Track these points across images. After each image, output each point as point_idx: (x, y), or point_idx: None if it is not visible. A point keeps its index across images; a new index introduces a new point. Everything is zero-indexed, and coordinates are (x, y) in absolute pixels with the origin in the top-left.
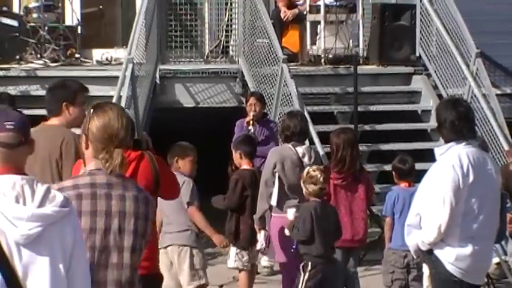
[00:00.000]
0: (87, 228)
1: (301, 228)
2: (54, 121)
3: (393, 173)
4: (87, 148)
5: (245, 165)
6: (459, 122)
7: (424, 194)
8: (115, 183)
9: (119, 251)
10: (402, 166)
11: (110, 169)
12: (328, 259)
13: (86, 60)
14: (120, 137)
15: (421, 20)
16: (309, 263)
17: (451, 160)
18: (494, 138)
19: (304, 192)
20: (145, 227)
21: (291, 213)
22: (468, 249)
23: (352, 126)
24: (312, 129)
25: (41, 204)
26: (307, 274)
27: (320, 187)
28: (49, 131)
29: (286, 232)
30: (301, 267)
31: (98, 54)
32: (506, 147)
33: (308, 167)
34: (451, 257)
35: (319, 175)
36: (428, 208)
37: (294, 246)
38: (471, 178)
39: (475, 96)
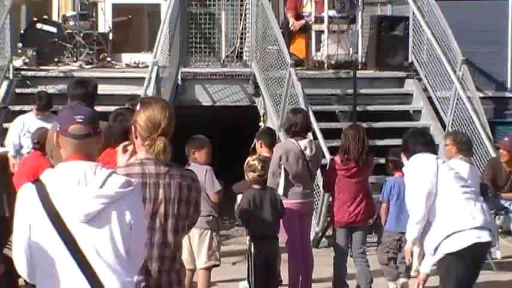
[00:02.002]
0: None
1: (239, 213)
2: None
3: (389, 164)
4: (136, 138)
5: (265, 153)
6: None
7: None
8: (162, 173)
9: (163, 232)
10: (397, 159)
11: (154, 154)
12: (267, 237)
13: (116, 63)
14: (163, 126)
15: (413, 31)
16: (252, 243)
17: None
18: (477, 136)
19: (246, 179)
20: (188, 211)
21: (238, 200)
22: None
23: (352, 123)
24: (316, 126)
25: (102, 185)
26: (253, 250)
27: (258, 174)
28: None
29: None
30: (247, 247)
31: (126, 58)
32: (487, 143)
33: (248, 158)
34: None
35: (257, 164)
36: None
37: None
38: (438, 164)
39: (460, 98)
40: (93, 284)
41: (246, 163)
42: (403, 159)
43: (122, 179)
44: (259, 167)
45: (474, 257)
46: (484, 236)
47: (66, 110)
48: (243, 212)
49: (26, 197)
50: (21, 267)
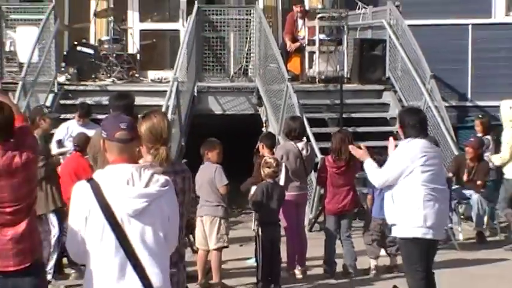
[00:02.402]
0: None
1: (253, 201)
2: None
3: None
4: (141, 145)
5: (266, 153)
6: (418, 124)
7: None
8: (168, 171)
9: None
10: (380, 157)
11: (158, 162)
12: (273, 223)
13: (143, 78)
14: (164, 137)
15: (389, 51)
16: (259, 228)
17: (410, 145)
18: (443, 139)
19: (262, 174)
20: (189, 198)
21: (252, 190)
22: (432, 208)
23: (340, 129)
24: (309, 131)
25: (147, 185)
26: (261, 233)
27: (273, 170)
28: None
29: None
30: (256, 228)
31: (152, 74)
32: (452, 144)
33: (265, 157)
34: (418, 221)
35: (273, 161)
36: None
37: None
38: (421, 158)
39: (429, 107)
40: (137, 267)
41: (263, 160)
42: (399, 131)
43: (162, 178)
44: (274, 164)
45: (424, 245)
46: (430, 235)
47: (111, 119)
48: (256, 200)
49: (81, 193)
50: (73, 250)
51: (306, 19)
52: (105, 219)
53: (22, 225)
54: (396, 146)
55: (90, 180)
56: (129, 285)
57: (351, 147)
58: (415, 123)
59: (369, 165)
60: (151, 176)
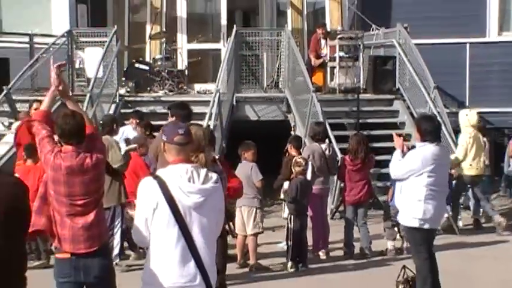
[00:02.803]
0: None
1: (289, 194)
2: None
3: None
4: None
5: (293, 153)
6: (434, 131)
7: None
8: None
9: None
10: None
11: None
12: (302, 213)
13: (190, 90)
14: (202, 145)
15: (399, 66)
16: (292, 216)
17: (425, 150)
18: (445, 140)
19: (292, 171)
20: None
21: (286, 185)
22: (430, 204)
23: (356, 132)
24: (331, 134)
25: (204, 182)
26: (292, 222)
27: (303, 168)
28: None
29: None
30: (288, 217)
31: (197, 87)
32: (453, 146)
33: (295, 157)
34: (418, 212)
35: (302, 161)
36: (399, 166)
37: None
38: (432, 162)
39: (433, 113)
40: (194, 251)
41: (294, 160)
42: (416, 135)
43: (214, 176)
44: (303, 163)
45: (423, 233)
46: (427, 225)
47: (171, 125)
48: (291, 194)
49: (150, 188)
50: (139, 236)
51: (327, 39)
52: (170, 211)
53: (91, 215)
54: (408, 146)
55: (156, 177)
56: (187, 266)
57: (394, 134)
58: (432, 130)
59: (396, 157)
60: (206, 174)
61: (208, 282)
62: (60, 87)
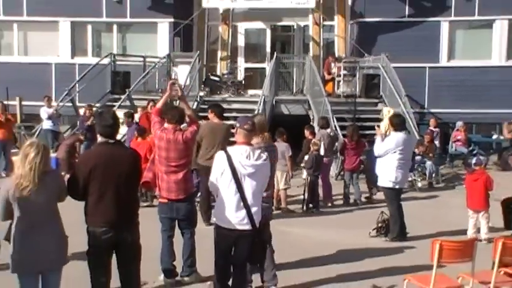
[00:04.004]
0: None
1: (307, 164)
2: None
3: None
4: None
5: (310, 136)
6: (402, 123)
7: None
8: (265, 146)
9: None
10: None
11: (264, 141)
12: (316, 175)
13: (245, 94)
14: (266, 128)
15: (382, 80)
16: (309, 177)
17: (397, 136)
18: (411, 130)
19: (310, 149)
20: (273, 161)
21: (306, 158)
22: (400, 172)
23: (352, 123)
24: (336, 124)
25: (256, 159)
26: (309, 181)
27: (318, 147)
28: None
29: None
30: (306, 178)
31: (250, 92)
32: (416, 134)
33: (312, 139)
34: (392, 177)
35: (317, 142)
36: (380, 147)
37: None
38: (402, 144)
39: (403, 112)
40: (245, 202)
41: (312, 141)
42: (390, 126)
43: (264, 155)
44: (318, 144)
45: (395, 191)
46: (398, 186)
47: (242, 117)
48: (309, 163)
49: (220, 158)
50: (212, 188)
51: (335, 62)
52: (231, 175)
53: (181, 174)
54: (383, 135)
55: (226, 151)
56: (240, 211)
57: (376, 126)
58: (400, 123)
59: (377, 141)
60: (259, 154)
61: (254, 223)
62: (179, 94)
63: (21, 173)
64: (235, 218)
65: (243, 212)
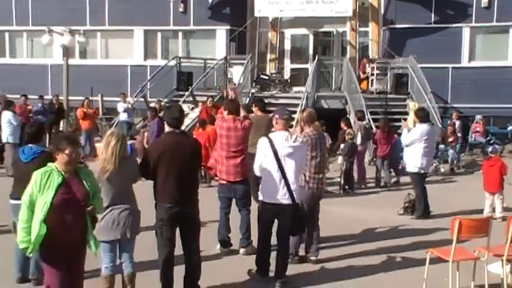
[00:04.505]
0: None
1: (343, 151)
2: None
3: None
4: (304, 124)
5: (345, 127)
6: (426, 115)
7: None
8: (316, 136)
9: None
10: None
11: (315, 130)
12: (351, 161)
13: (290, 91)
14: (316, 119)
15: (410, 79)
16: (344, 163)
17: (422, 127)
18: (435, 122)
19: (345, 138)
20: (323, 147)
21: (342, 146)
22: (425, 158)
23: (383, 117)
24: (370, 117)
25: (293, 141)
26: (344, 166)
27: (352, 136)
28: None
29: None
30: (342, 164)
31: (295, 89)
32: (439, 125)
33: (347, 130)
34: (418, 163)
35: (352, 132)
36: (407, 138)
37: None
38: (426, 134)
39: (429, 107)
40: (286, 182)
41: (347, 131)
42: (416, 119)
43: (300, 139)
44: (352, 134)
45: (420, 175)
46: (423, 171)
47: (280, 109)
48: (345, 151)
49: (264, 143)
50: (256, 169)
51: (369, 63)
52: (273, 156)
53: (239, 159)
54: (409, 127)
55: (268, 137)
56: (281, 188)
57: (403, 120)
58: (424, 115)
59: (404, 132)
60: (295, 138)
61: (293, 199)
62: (234, 95)
63: (105, 157)
64: (278, 193)
65: (285, 188)
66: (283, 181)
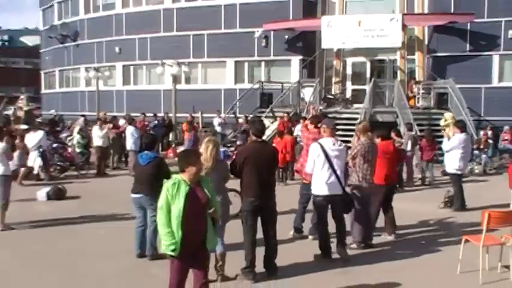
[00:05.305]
0: (364, 155)
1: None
2: None
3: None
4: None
5: (395, 137)
6: (463, 126)
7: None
8: (368, 142)
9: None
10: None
11: (368, 139)
12: (401, 164)
13: (351, 107)
14: (369, 130)
15: (450, 97)
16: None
17: (460, 136)
18: (470, 132)
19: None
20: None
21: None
22: (462, 162)
23: (428, 128)
24: (416, 128)
25: (339, 146)
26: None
27: (399, 145)
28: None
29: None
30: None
31: (355, 105)
32: (474, 134)
33: (397, 139)
34: (456, 166)
35: (401, 140)
36: (448, 145)
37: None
38: (463, 142)
39: (467, 119)
40: (336, 175)
41: (396, 140)
42: (456, 129)
43: (343, 144)
44: (401, 141)
45: (459, 176)
46: (460, 172)
47: (328, 120)
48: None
49: (315, 147)
50: (308, 169)
51: (416, 84)
52: (324, 157)
53: None
54: (449, 136)
55: (319, 143)
56: (333, 182)
57: (443, 130)
58: (462, 126)
59: (445, 140)
60: (340, 143)
61: (344, 189)
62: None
63: (205, 158)
64: (329, 186)
65: (336, 182)
66: (333, 176)
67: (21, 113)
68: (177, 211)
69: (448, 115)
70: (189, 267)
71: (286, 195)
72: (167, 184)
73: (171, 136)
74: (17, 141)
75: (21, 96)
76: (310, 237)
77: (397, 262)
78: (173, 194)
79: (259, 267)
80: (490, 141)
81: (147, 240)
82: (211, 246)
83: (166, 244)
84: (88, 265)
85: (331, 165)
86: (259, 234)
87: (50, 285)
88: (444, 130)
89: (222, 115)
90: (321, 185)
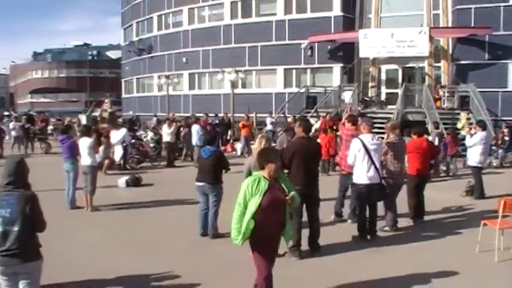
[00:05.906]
0: (393, 151)
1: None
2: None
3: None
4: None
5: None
6: (484, 125)
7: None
8: (397, 139)
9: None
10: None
11: (397, 136)
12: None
13: (386, 108)
14: (398, 128)
15: (471, 99)
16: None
17: (481, 134)
18: (490, 129)
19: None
20: (402, 148)
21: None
22: (482, 156)
23: (450, 127)
24: (442, 126)
25: (376, 140)
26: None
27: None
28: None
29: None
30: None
31: (390, 107)
32: (492, 132)
33: (424, 135)
34: (477, 160)
35: (427, 137)
36: (470, 141)
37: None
38: (484, 139)
39: (486, 119)
40: (375, 166)
41: (423, 137)
42: (478, 127)
43: (379, 139)
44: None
45: (479, 168)
46: (480, 165)
47: (366, 119)
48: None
49: (357, 142)
50: (350, 161)
51: (442, 88)
52: (364, 150)
53: None
54: (471, 133)
55: (359, 138)
56: (372, 172)
57: (466, 129)
58: (483, 125)
59: (467, 137)
60: (377, 138)
61: (381, 180)
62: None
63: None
64: (369, 176)
65: (375, 172)
66: (372, 167)
67: (106, 114)
68: (252, 205)
69: (462, 114)
70: (268, 252)
71: (328, 185)
72: (248, 179)
73: (229, 133)
74: (102, 138)
75: (106, 100)
76: (349, 221)
77: (422, 243)
78: (253, 189)
79: (304, 246)
80: (506, 138)
81: (209, 222)
82: (288, 237)
83: (232, 237)
84: (160, 241)
85: (370, 158)
86: (304, 218)
87: (130, 257)
88: (463, 129)
89: (273, 115)
90: (362, 175)
